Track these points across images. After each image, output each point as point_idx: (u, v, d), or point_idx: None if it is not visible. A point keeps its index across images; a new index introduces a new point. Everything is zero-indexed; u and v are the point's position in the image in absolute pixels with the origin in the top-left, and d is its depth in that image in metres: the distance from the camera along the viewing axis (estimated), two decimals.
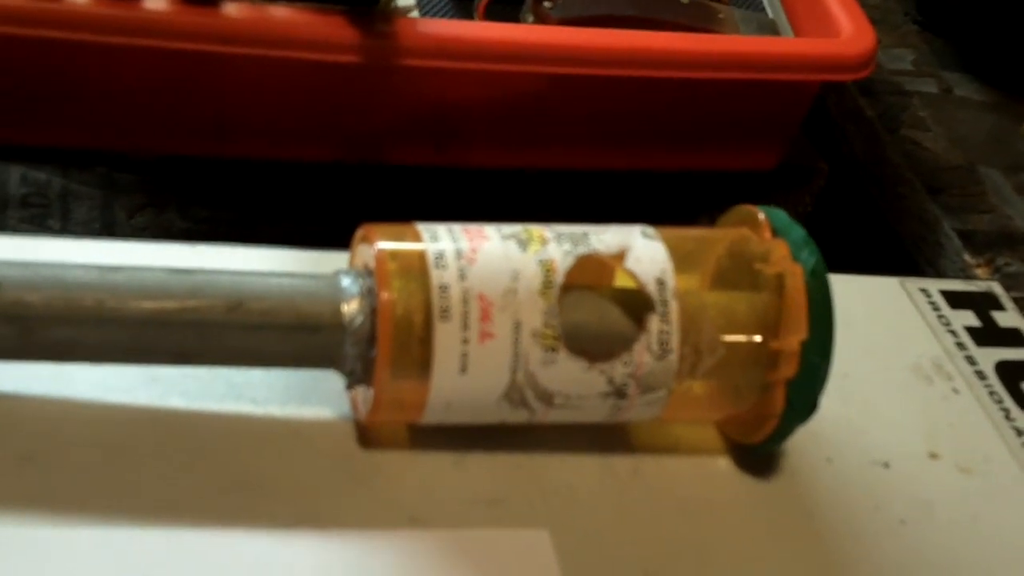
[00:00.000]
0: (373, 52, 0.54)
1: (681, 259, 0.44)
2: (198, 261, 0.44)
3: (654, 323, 0.42)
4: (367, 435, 0.43)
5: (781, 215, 0.45)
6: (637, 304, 0.42)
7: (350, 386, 0.43)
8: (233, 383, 0.44)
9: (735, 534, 0.44)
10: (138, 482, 0.41)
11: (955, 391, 0.52)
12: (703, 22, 0.61)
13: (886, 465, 0.48)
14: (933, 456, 0.49)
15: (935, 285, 0.57)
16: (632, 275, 0.42)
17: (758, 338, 0.43)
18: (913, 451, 0.49)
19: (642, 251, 0.43)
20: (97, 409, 0.42)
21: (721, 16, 0.62)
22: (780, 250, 0.43)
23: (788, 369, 0.43)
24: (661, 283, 0.42)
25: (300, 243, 0.52)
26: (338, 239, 0.51)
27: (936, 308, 0.56)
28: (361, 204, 0.61)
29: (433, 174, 0.60)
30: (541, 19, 0.59)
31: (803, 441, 0.46)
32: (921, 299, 0.56)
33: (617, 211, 0.49)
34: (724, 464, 0.46)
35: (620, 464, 0.45)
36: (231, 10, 0.52)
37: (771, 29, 0.64)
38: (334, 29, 0.53)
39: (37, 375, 0.42)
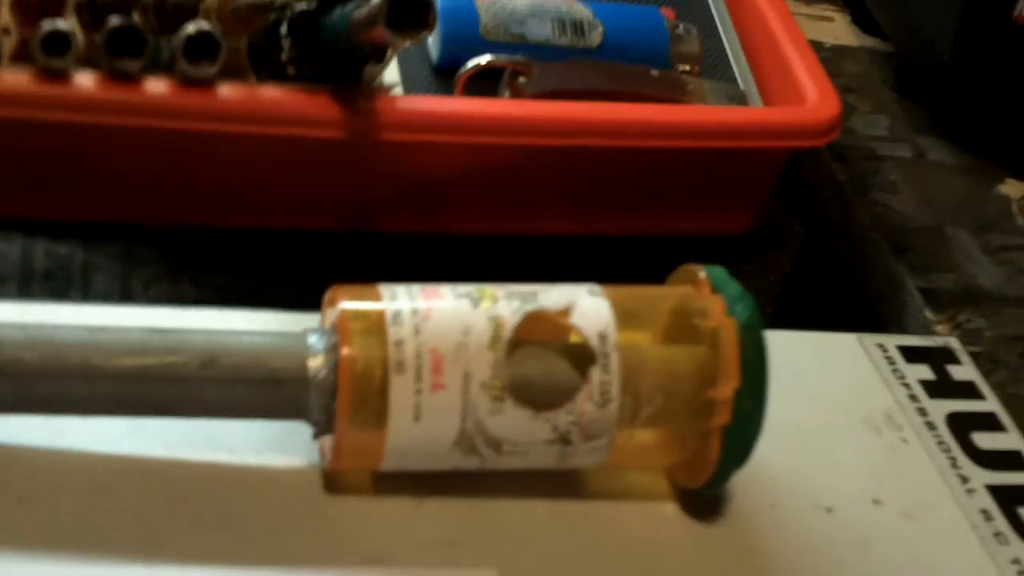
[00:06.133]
0: (356, 127, 0.58)
1: (628, 315, 0.47)
2: (184, 323, 0.48)
3: (596, 374, 0.45)
4: (333, 481, 0.47)
5: (720, 272, 0.48)
6: (581, 357, 0.46)
7: (317, 436, 0.46)
8: (211, 434, 0.47)
9: (680, 575, 0.47)
10: (123, 524, 0.44)
11: (904, 441, 0.54)
12: (672, 93, 0.65)
13: (829, 510, 0.50)
14: (877, 502, 0.51)
15: (892, 340, 0.59)
16: (576, 330, 0.46)
17: (696, 388, 0.46)
18: (857, 497, 0.51)
19: (587, 307, 0.46)
20: (86, 457, 0.46)
21: (690, 88, 0.66)
22: (717, 305, 0.47)
23: (723, 416, 0.46)
24: (603, 337, 0.46)
25: (303, 306, 0.55)
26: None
27: (892, 362, 0.58)
28: (351, 269, 0.64)
29: (416, 241, 0.63)
30: (516, 94, 0.63)
31: (749, 487, 0.49)
32: (877, 353, 0.59)
33: (592, 274, 0.52)
34: (671, 509, 0.49)
35: (571, 508, 0.48)
36: (225, 91, 0.57)
37: (740, 99, 0.67)
38: (319, 106, 0.57)
39: (32, 426, 0.46)
